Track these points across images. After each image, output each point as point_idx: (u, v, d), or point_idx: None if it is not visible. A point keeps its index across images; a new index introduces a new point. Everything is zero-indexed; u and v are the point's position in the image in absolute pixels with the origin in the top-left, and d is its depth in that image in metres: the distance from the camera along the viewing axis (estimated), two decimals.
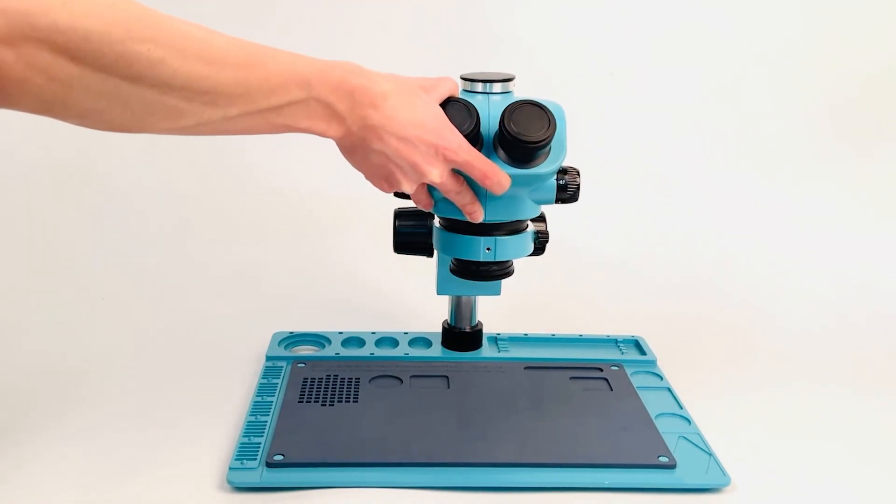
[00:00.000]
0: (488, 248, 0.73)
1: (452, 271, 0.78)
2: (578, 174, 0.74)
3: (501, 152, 0.69)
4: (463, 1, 1.28)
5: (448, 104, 0.68)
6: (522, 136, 0.66)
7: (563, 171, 0.73)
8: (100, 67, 0.51)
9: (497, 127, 0.69)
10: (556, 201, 0.74)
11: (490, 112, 0.70)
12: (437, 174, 0.65)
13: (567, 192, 0.73)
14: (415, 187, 0.67)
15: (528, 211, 0.73)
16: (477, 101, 0.70)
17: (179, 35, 0.54)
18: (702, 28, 1.30)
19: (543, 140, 0.66)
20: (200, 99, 0.56)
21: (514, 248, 0.75)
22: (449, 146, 0.64)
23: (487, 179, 0.66)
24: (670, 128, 1.32)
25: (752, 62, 1.31)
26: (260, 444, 0.71)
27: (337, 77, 0.61)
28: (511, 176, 0.68)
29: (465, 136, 0.67)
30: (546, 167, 0.70)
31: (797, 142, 1.31)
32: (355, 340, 0.92)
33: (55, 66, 0.49)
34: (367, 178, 0.68)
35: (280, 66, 0.59)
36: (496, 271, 0.76)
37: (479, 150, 0.69)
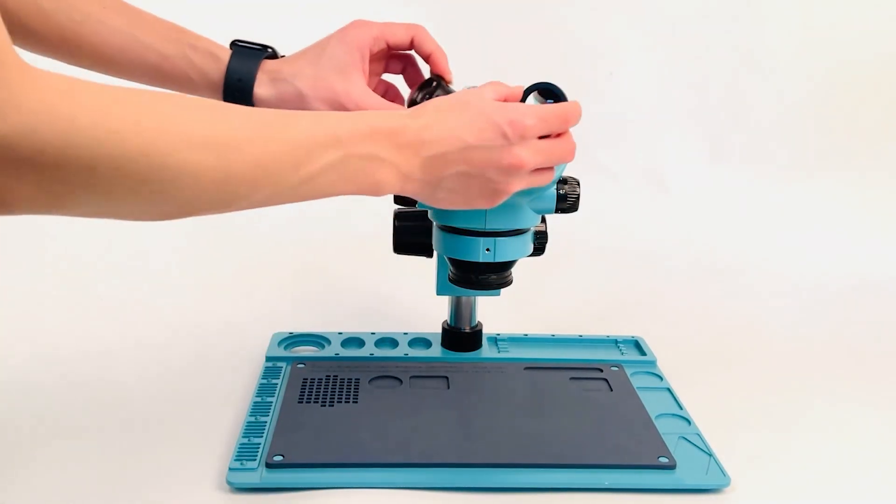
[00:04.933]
0: (488, 249, 0.73)
1: (451, 280, 0.78)
2: (578, 184, 0.74)
3: None
4: (462, 2, 1.28)
5: None
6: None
7: (563, 181, 0.73)
8: (89, 187, 0.43)
9: None
10: (556, 211, 0.74)
11: None
12: (525, 154, 0.58)
13: (567, 202, 0.73)
14: (523, 180, 0.60)
15: (528, 220, 0.74)
16: None
17: (179, 123, 0.46)
18: (702, 28, 1.30)
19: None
20: (215, 193, 0.48)
21: (513, 249, 0.75)
22: (513, 119, 0.57)
23: (571, 120, 0.60)
24: (670, 128, 1.32)
25: (753, 62, 1.31)
26: (259, 444, 0.71)
27: (367, 124, 0.54)
28: None
29: None
30: None
31: (798, 142, 1.31)
32: (355, 341, 0.92)
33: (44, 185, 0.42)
34: (476, 205, 0.60)
35: (301, 129, 0.52)
36: (495, 281, 0.76)
37: None
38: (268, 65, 0.68)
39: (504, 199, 0.61)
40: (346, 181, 0.54)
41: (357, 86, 0.66)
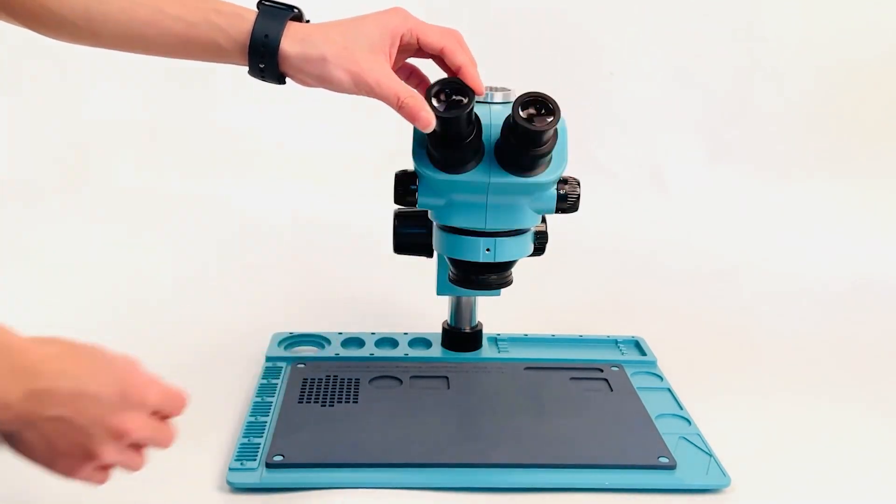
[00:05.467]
0: (488, 249, 0.73)
1: (452, 280, 0.78)
2: (578, 184, 0.74)
3: (504, 162, 0.69)
4: (462, 2, 1.27)
5: (451, 111, 0.67)
6: (532, 124, 0.65)
7: (563, 181, 0.73)
8: None
9: (498, 136, 0.69)
10: (556, 211, 0.74)
11: (492, 121, 0.70)
12: (135, 422, 0.54)
13: (567, 201, 0.73)
14: (116, 450, 0.55)
15: (528, 220, 0.74)
16: (477, 110, 0.70)
17: None
18: (702, 27, 1.30)
19: (549, 127, 0.65)
20: None
21: (513, 249, 0.75)
22: (139, 385, 0.55)
23: (182, 407, 0.58)
24: (670, 128, 1.32)
25: (753, 62, 1.31)
26: (260, 444, 0.71)
27: None
28: (512, 184, 0.69)
29: (467, 143, 0.67)
30: (547, 176, 0.70)
31: (798, 142, 1.31)
32: (355, 341, 0.92)
33: None
34: (54, 467, 0.54)
35: None
36: (495, 281, 0.76)
37: (481, 158, 0.69)
38: (296, 26, 0.68)
39: (86, 470, 0.55)
40: None
41: (382, 66, 0.66)
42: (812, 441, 0.78)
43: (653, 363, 0.90)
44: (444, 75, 0.70)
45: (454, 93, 0.67)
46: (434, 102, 0.66)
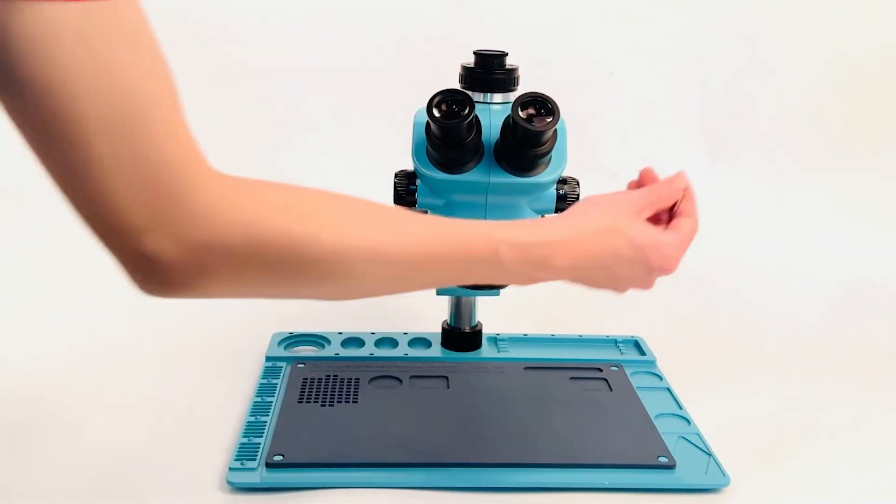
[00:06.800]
0: None
1: None
2: (578, 184, 0.74)
3: (504, 162, 0.69)
4: (462, 2, 1.27)
5: (450, 113, 0.67)
6: (531, 124, 0.65)
7: (562, 181, 0.74)
8: (265, 283, 0.50)
9: (497, 136, 0.69)
10: (556, 211, 0.74)
11: (491, 121, 0.70)
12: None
13: (567, 202, 0.74)
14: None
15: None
16: (477, 110, 0.70)
17: (357, 233, 0.50)
18: (702, 27, 1.30)
19: (549, 127, 0.65)
20: (378, 291, 0.58)
21: None
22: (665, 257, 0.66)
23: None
24: (670, 128, 1.32)
25: (753, 62, 1.31)
26: (259, 444, 0.71)
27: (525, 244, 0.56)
28: (512, 184, 0.69)
29: (467, 144, 0.67)
30: (546, 176, 0.70)
31: (797, 141, 1.31)
32: (355, 341, 0.92)
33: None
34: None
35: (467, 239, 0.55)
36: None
37: (481, 158, 0.69)
38: None
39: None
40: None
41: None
42: (812, 441, 0.78)
43: (652, 363, 0.90)
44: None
45: (455, 103, 0.67)
46: (434, 112, 0.66)
